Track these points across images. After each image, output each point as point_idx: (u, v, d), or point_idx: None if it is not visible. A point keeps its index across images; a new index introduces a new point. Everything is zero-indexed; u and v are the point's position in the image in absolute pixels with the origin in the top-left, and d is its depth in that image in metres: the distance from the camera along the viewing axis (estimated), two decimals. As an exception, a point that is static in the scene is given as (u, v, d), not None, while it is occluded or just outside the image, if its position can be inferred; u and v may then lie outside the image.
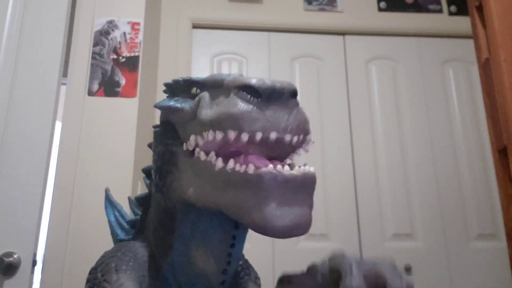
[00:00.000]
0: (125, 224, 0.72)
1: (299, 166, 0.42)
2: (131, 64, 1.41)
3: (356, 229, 1.83)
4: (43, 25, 1.32)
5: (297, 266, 1.75)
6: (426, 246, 1.83)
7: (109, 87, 1.38)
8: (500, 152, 1.11)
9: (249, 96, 0.41)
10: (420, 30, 2.10)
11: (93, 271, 0.56)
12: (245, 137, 0.40)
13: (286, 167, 0.40)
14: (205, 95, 0.47)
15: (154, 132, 0.56)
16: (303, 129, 0.43)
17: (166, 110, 0.52)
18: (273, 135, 0.40)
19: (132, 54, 1.42)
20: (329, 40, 2.09)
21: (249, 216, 0.39)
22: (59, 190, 1.28)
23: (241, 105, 0.41)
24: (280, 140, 0.41)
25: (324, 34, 2.09)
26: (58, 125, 1.34)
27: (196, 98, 0.48)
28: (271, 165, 0.39)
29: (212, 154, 0.43)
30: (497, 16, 1.12)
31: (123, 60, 1.41)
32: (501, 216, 1.88)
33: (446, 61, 2.11)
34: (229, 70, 2.00)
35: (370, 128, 1.97)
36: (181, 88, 0.53)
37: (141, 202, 0.66)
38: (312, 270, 0.48)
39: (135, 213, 0.71)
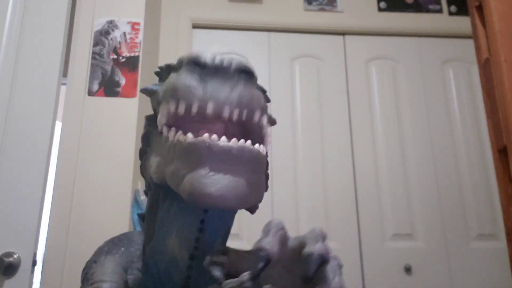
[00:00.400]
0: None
1: (244, 140, 0.41)
2: (131, 64, 1.41)
3: (356, 229, 1.83)
4: (43, 25, 1.32)
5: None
6: (426, 246, 1.83)
7: (109, 87, 1.38)
8: (500, 152, 1.11)
9: (194, 70, 0.42)
10: (420, 30, 2.10)
11: (91, 256, 0.58)
12: (181, 107, 0.40)
13: (223, 138, 0.40)
14: (172, 75, 0.47)
15: (144, 118, 0.58)
16: (247, 104, 0.42)
17: (144, 93, 0.53)
18: (210, 106, 0.40)
19: (132, 54, 1.42)
20: (329, 40, 2.09)
21: (181, 183, 0.39)
22: (59, 190, 1.28)
23: (184, 77, 0.41)
24: (219, 113, 0.41)
25: (324, 34, 2.09)
26: (58, 125, 1.34)
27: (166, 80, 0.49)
28: (206, 135, 0.39)
29: (172, 130, 0.43)
30: (497, 16, 1.12)
31: (123, 60, 1.41)
32: (501, 216, 1.88)
33: (446, 61, 2.11)
34: (229, 70, 1.99)
35: (370, 128, 1.97)
36: (164, 74, 0.53)
37: (146, 194, 0.67)
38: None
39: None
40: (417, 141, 1.97)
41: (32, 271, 1.15)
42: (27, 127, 1.23)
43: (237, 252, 0.46)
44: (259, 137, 0.46)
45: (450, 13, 2.15)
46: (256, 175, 0.41)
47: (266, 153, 0.50)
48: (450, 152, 1.97)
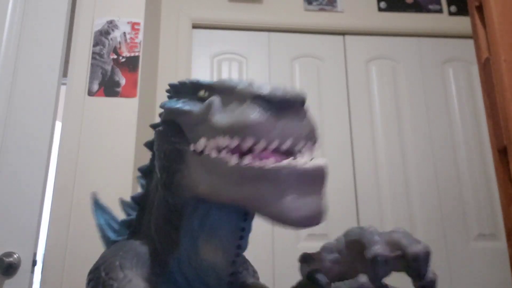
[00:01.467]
0: (116, 226, 0.72)
1: (310, 159, 0.44)
2: (131, 64, 1.41)
3: (356, 229, 1.83)
4: (43, 25, 1.32)
5: (297, 266, 1.75)
6: (426, 246, 1.83)
7: (109, 87, 1.38)
8: (500, 152, 1.11)
9: (263, 105, 0.43)
10: (420, 30, 2.10)
11: (94, 271, 0.56)
12: (262, 144, 0.42)
13: (301, 161, 0.42)
14: (216, 100, 0.49)
15: (157, 131, 0.57)
16: (313, 137, 0.45)
17: (174, 112, 0.53)
18: (287, 143, 0.43)
19: (132, 54, 1.42)
20: (329, 40, 2.09)
21: (268, 208, 0.41)
22: (59, 190, 1.28)
23: (258, 114, 0.43)
24: (293, 148, 0.43)
25: (324, 34, 2.09)
26: (58, 125, 1.34)
27: (206, 102, 0.50)
28: (287, 160, 0.42)
29: (224, 151, 0.45)
30: (497, 16, 1.12)
31: (123, 60, 1.41)
32: (501, 216, 1.88)
33: (446, 61, 2.11)
34: (229, 70, 2.00)
35: (370, 128, 1.97)
36: (187, 90, 0.54)
37: (137, 201, 0.66)
38: (327, 247, 0.49)
39: (128, 214, 0.71)
40: (417, 141, 1.97)
41: (32, 271, 1.15)
42: (27, 127, 1.23)
43: (317, 254, 0.50)
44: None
45: (450, 13, 2.15)
46: (324, 188, 0.44)
47: None
48: (450, 152, 1.97)
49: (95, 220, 0.75)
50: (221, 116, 0.46)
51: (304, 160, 0.42)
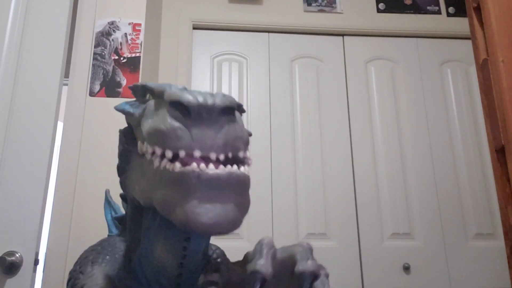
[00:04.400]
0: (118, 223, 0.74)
1: (231, 165, 0.42)
2: (132, 64, 1.41)
3: (355, 228, 1.84)
4: (45, 26, 1.33)
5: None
6: (425, 245, 1.84)
7: (110, 88, 1.39)
8: (498, 152, 1.12)
9: (179, 112, 0.42)
10: (419, 31, 2.11)
11: (74, 265, 0.59)
12: (168, 154, 0.41)
13: (211, 166, 0.40)
14: (151, 103, 0.48)
15: (119, 131, 0.58)
16: (232, 147, 0.43)
17: (120, 112, 0.54)
18: (196, 153, 0.41)
19: (133, 55, 1.42)
20: (329, 41, 2.10)
21: (173, 213, 0.40)
22: (60, 190, 1.28)
23: (168, 122, 0.41)
24: (206, 157, 0.41)
25: (324, 35, 2.10)
26: (60, 126, 1.34)
27: (144, 105, 0.50)
28: (194, 164, 0.40)
29: (157, 154, 0.44)
30: (495, 17, 1.13)
31: (124, 60, 1.42)
32: (499, 216, 1.89)
33: (445, 62, 2.12)
34: (229, 71, 2.00)
35: (369, 128, 1.98)
36: (139, 92, 0.53)
37: (124, 199, 0.68)
38: (244, 259, 0.49)
39: (113, 209, 0.76)
40: (416, 141, 1.98)
41: (34, 270, 1.15)
42: (29, 128, 1.24)
43: (228, 266, 0.48)
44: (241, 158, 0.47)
45: (448, 14, 2.16)
46: (243, 197, 0.42)
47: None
48: (448, 152, 1.98)
49: (105, 216, 0.78)
50: (147, 121, 0.46)
51: (216, 166, 0.41)
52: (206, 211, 0.39)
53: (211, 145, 0.41)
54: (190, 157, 0.41)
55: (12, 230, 1.16)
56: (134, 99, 0.57)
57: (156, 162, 0.42)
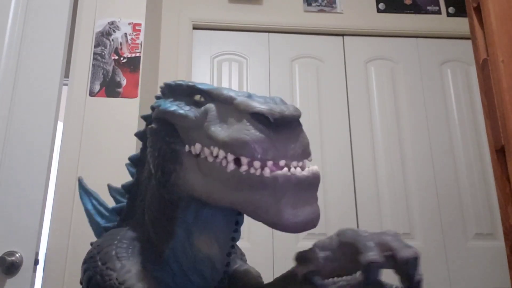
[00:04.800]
0: (104, 212, 0.73)
1: (308, 167, 0.45)
2: (132, 64, 1.41)
3: (356, 229, 1.84)
4: (45, 26, 1.33)
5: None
6: (425, 245, 1.84)
7: (110, 88, 1.39)
8: (498, 152, 1.12)
9: (260, 123, 0.45)
10: (419, 31, 2.11)
11: (90, 260, 0.57)
12: (257, 164, 0.44)
13: (298, 169, 0.44)
14: (212, 108, 0.50)
15: (151, 128, 0.58)
16: (306, 154, 0.47)
17: (168, 114, 0.54)
18: (282, 163, 0.44)
19: (133, 55, 1.42)
20: (329, 41, 2.10)
21: (266, 215, 0.43)
22: (60, 190, 1.28)
23: (254, 133, 0.44)
24: (288, 166, 0.45)
25: (324, 35, 2.10)
26: (60, 126, 1.34)
27: (202, 109, 0.51)
28: (286, 168, 0.43)
29: (221, 156, 0.46)
30: (495, 17, 1.13)
31: (124, 60, 1.42)
32: (499, 216, 1.89)
33: (445, 62, 2.12)
34: (229, 71, 2.00)
35: (369, 128, 1.98)
36: (182, 92, 0.54)
37: (128, 190, 0.68)
38: (320, 245, 0.51)
39: (117, 201, 0.73)
40: (416, 141, 1.98)
41: (34, 270, 1.15)
42: (29, 128, 1.24)
43: (311, 252, 0.51)
44: None
45: (448, 14, 2.16)
46: (317, 192, 0.47)
47: None
48: (448, 152, 1.98)
49: (83, 205, 0.75)
50: (218, 129, 0.47)
51: (299, 169, 0.44)
52: (298, 212, 0.43)
53: (293, 155, 0.45)
54: (275, 164, 0.45)
55: (12, 230, 1.16)
56: (163, 94, 0.58)
57: (231, 166, 0.45)
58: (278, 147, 0.44)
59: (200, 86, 0.53)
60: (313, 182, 0.45)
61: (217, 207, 0.53)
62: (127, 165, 0.70)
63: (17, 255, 1.14)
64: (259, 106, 0.44)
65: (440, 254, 1.84)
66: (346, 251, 0.48)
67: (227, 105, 0.48)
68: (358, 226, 1.84)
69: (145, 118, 0.65)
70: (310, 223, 0.44)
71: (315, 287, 0.47)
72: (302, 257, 0.50)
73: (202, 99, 0.52)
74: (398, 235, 0.46)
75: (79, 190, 0.78)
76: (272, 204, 0.42)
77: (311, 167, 0.45)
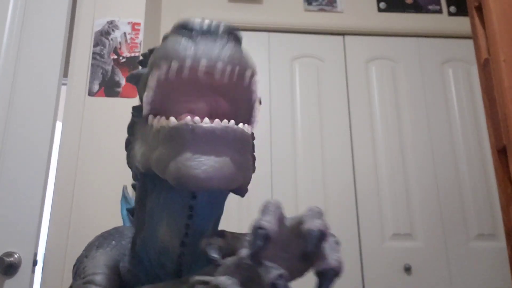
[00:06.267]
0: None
1: (228, 121, 0.41)
2: (132, 64, 1.41)
3: (356, 229, 1.83)
4: (44, 25, 1.32)
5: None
6: (426, 246, 1.84)
7: (109, 87, 1.38)
8: (500, 152, 1.11)
9: (184, 33, 0.42)
10: (420, 30, 2.11)
11: (83, 250, 0.59)
12: (175, 64, 0.40)
13: (206, 120, 0.40)
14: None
15: (132, 108, 0.57)
16: (239, 62, 0.42)
17: (131, 80, 0.52)
18: (203, 62, 0.40)
19: (133, 54, 1.42)
20: (329, 40, 2.09)
21: (167, 168, 0.39)
22: (59, 190, 1.28)
23: (173, 39, 0.41)
24: (212, 70, 0.41)
25: (324, 35, 2.09)
26: (59, 125, 1.34)
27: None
28: (188, 117, 0.39)
29: (158, 116, 0.43)
30: (496, 16, 1.12)
31: (124, 60, 1.41)
32: (500, 216, 1.88)
33: (446, 61, 2.11)
34: (229, 70, 2.00)
35: (370, 128, 1.97)
36: (147, 58, 0.52)
37: (135, 188, 0.66)
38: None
39: (126, 200, 0.76)
40: (417, 141, 1.98)
41: (33, 271, 1.15)
42: (28, 128, 1.24)
43: (233, 234, 0.45)
44: (246, 114, 0.46)
45: (450, 14, 2.15)
46: (241, 155, 0.41)
47: (252, 134, 0.50)
48: (449, 152, 1.97)
49: (121, 211, 0.78)
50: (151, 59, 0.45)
51: (211, 120, 0.39)
52: (198, 164, 0.38)
53: (217, 57, 0.40)
54: (185, 113, 0.40)
55: (11, 231, 1.16)
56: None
57: (155, 123, 0.41)
58: (200, 47, 0.40)
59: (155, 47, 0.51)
60: (226, 136, 0.39)
61: (172, 190, 0.47)
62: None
63: (15, 256, 1.13)
64: (182, 20, 0.42)
65: (441, 255, 1.83)
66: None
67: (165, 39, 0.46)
68: (358, 226, 1.84)
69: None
70: (212, 178, 0.38)
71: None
72: (216, 233, 0.45)
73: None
74: (319, 212, 0.39)
75: (121, 198, 0.80)
76: (172, 156, 0.38)
77: (230, 122, 0.40)
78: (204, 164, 0.38)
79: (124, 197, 0.80)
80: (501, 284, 1.80)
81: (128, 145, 0.53)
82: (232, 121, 0.40)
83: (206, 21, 0.42)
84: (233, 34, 0.43)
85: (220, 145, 0.39)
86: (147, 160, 0.43)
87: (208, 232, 0.49)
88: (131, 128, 0.53)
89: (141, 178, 0.51)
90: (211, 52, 0.41)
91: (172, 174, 0.38)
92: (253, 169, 0.49)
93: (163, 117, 0.42)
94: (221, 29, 0.42)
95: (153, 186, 0.50)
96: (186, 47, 0.40)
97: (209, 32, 0.41)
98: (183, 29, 0.42)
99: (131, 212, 0.72)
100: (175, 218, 0.47)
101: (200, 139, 0.39)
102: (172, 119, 0.40)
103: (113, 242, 0.56)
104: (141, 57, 0.55)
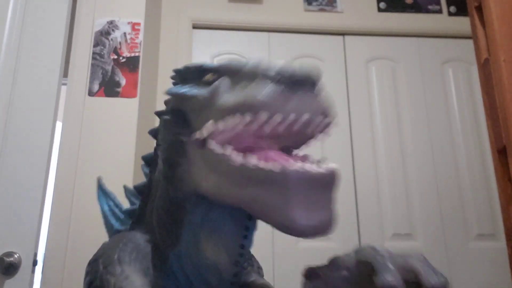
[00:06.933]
0: (120, 214, 0.70)
1: (321, 162, 0.41)
2: (132, 64, 1.41)
3: (356, 229, 1.83)
4: (44, 25, 1.32)
5: (297, 266, 1.75)
6: (426, 246, 1.83)
7: (109, 87, 1.38)
8: (500, 152, 1.11)
9: (274, 83, 0.41)
10: (420, 30, 2.11)
11: (93, 263, 0.54)
12: (278, 118, 0.39)
13: (312, 165, 0.39)
14: (224, 81, 0.46)
15: (163, 120, 0.55)
16: (329, 114, 0.42)
17: (179, 98, 0.50)
18: (305, 117, 0.40)
19: (133, 54, 1.42)
20: (329, 40, 2.09)
21: (274, 215, 0.38)
22: (59, 190, 1.28)
23: (270, 88, 0.40)
24: (310, 122, 0.40)
25: (324, 35, 2.09)
26: (59, 125, 1.34)
27: (213, 85, 0.47)
28: (297, 163, 0.38)
29: (229, 148, 0.42)
30: (496, 16, 1.12)
31: (124, 60, 1.41)
32: (500, 216, 1.88)
33: (446, 61, 2.11)
34: (229, 70, 2.00)
35: (370, 128, 1.97)
36: (192, 74, 0.51)
37: (140, 191, 0.64)
38: (335, 262, 0.46)
39: (131, 202, 0.70)
40: (417, 141, 1.98)
41: (33, 271, 1.15)
42: (28, 127, 1.24)
43: (323, 269, 0.46)
44: (306, 140, 0.45)
45: (450, 14, 2.15)
46: (333, 193, 0.41)
47: None
48: (449, 152, 1.97)
49: (100, 206, 0.72)
50: (229, 95, 0.43)
51: (315, 165, 0.39)
52: (310, 214, 0.37)
53: (315, 110, 0.40)
54: (271, 154, 0.39)
55: (11, 231, 1.16)
56: (175, 83, 0.54)
57: (239, 158, 0.40)
58: (296, 102, 0.39)
59: (208, 65, 0.49)
60: (329, 181, 0.39)
61: (225, 210, 0.47)
62: (142, 165, 0.68)
63: (15, 256, 1.13)
64: (269, 67, 0.41)
65: (441, 255, 1.83)
66: (364, 271, 0.43)
67: (238, 75, 0.45)
68: (359, 227, 1.84)
69: (158, 114, 0.61)
70: (323, 228, 0.38)
71: None
72: (311, 273, 0.45)
73: (213, 77, 0.48)
74: (425, 259, 0.41)
75: (97, 191, 0.75)
76: (280, 203, 0.37)
77: (330, 164, 0.40)
78: (315, 215, 0.38)
79: (102, 190, 0.74)
80: (501, 284, 1.80)
81: (178, 166, 0.50)
82: (334, 164, 0.40)
83: (296, 71, 0.41)
84: (318, 81, 0.42)
85: (326, 191, 0.39)
86: (227, 194, 0.42)
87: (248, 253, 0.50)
88: (179, 148, 0.50)
89: (189, 199, 0.50)
90: (309, 107, 0.40)
91: (284, 223, 0.37)
92: None
93: (253, 156, 0.40)
94: (310, 79, 0.41)
95: (197, 205, 0.49)
96: (284, 100, 0.39)
97: (299, 83, 0.41)
98: (272, 78, 0.41)
99: (130, 213, 0.67)
100: (230, 238, 0.48)
101: (308, 186, 0.38)
102: (277, 164, 0.38)
103: (134, 254, 0.53)
104: (173, 73, 0.54)
